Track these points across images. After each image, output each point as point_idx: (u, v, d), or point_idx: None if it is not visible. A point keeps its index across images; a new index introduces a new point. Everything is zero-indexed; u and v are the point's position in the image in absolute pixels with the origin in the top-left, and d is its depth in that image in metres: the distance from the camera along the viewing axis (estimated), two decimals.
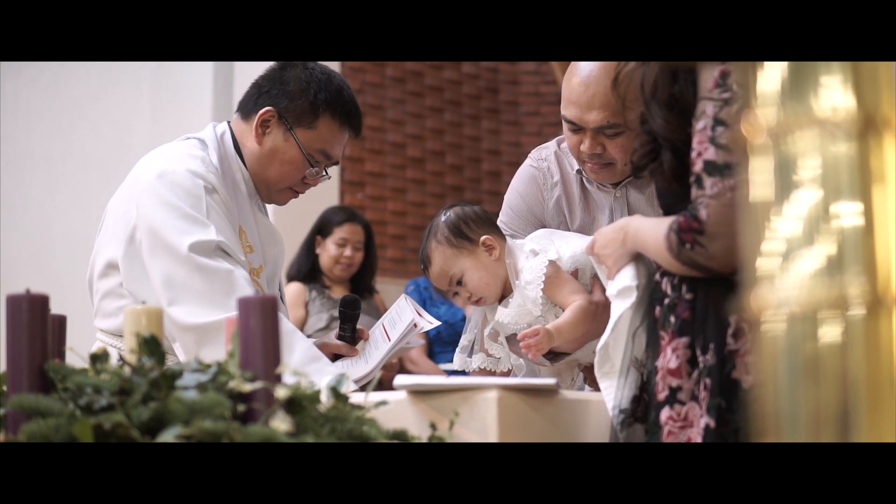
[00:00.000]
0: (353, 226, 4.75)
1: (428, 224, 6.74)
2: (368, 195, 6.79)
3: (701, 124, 1.89)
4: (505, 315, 2.37)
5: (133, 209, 2.48)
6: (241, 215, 2.58)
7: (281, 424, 1.55)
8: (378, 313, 4.67)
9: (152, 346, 1.63)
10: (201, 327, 2.33)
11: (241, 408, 1.57)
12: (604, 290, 2.37)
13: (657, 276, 2.02)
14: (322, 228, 4.74)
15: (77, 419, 1.51)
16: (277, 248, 2.72)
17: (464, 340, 2.51)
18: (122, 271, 2.49)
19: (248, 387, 1.58)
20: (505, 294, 2.42)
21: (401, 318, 2.56)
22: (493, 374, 2.46)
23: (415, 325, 2.52)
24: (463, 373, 2.62)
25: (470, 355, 2.49)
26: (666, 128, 1.94)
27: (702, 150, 1.88)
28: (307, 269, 4.64)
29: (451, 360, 4.58)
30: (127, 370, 1.63)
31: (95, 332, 2.58)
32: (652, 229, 1.97)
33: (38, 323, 1.64)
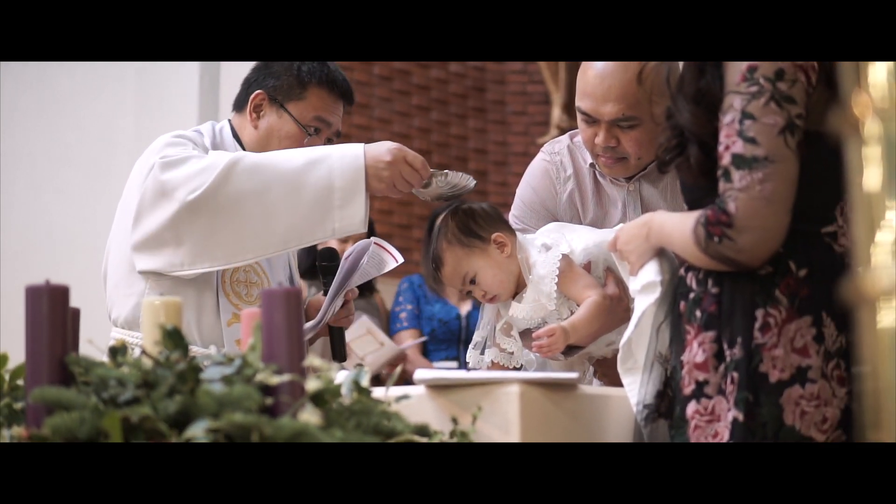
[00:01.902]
0: None
1: (411, 223, 6.60)
2: None
3: (728, 118, 1.87)
4: (519, 310, 2.34)
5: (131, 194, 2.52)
6: None
7: (311, 417, 1.51)
8: (378, 312, 4.63)
9: (175, 338, 1.59)
10: (204, 194, 2.35)
11: (268, 401, 1.53)
12: (617, 282, 2.35)
13: (682, 271, 2.00)
14: None
15: (101, 412, 1.47)
16: None
17: (477, 337, 2.47)
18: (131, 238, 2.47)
19: (275, 379, 1.54)
20: (518, 289, 2.38)
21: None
22: (505, 369, 2.43)
23: (358, 260, 2.54)
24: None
25: (482, 352, 2.45)
26: (693, 122, 1.92)
27: (729, 144, 1.86)
28: (307, 265, 4.57)
29: (446, 358, 4.58)
30: (147, 362, 1.59)
31: (111, 329, 2.54)
32: (678, 224, 1.95)
33: (58, 314, 1.59)
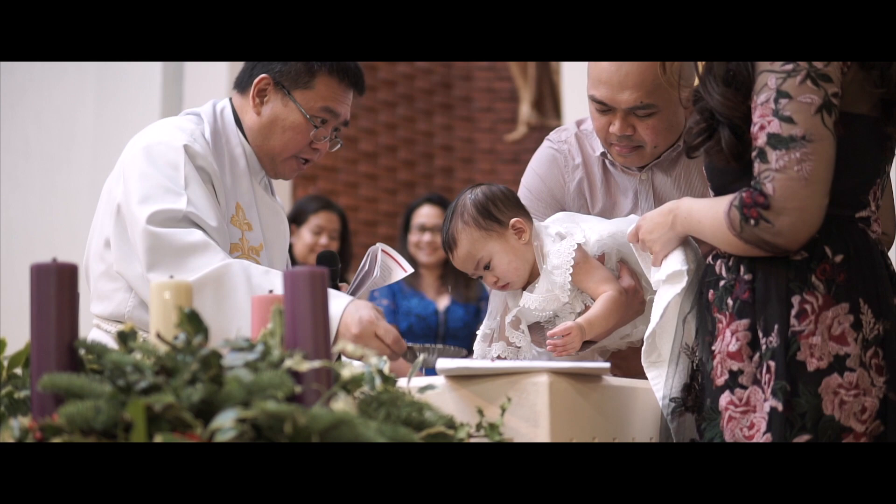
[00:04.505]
0: (329, 214, 4.60)
1: (377, 220, 6.44)
2: (320, 189, 6.63)
3: (763, 97, 1.80)
4: (531, 301, 2.24)
5: (119, 185, 2.35)
6: (238, 192, 2.44)
7: (345, 406, 1.41)
8: None
9: (195, 321, 1.48)
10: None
11: (297, 389, 1.43)
12: (631, 275, 2.27)
13: (709, 259, 1.93)
14: (297, 216, 4.58)
15: (120, 401, 1.35)
16: (280, 227, 2.57)
17: (485, 328, 2.37)
18: (112, 250, 2.34)
19: (306, 366, 1.43)
20: (531, 278, 2.29)
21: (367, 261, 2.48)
22: None
23: (373, 270, 2.42)
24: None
25: (490, 344, 2.35)
26: (723, 104, 1.85)
27: (765, 124, 1.79)
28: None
29: None
30: (161, 348, 1.48)
31: (92, 319, 2.41)
32: (707, 209, 1.87)
33: (66, 296, 1.48)
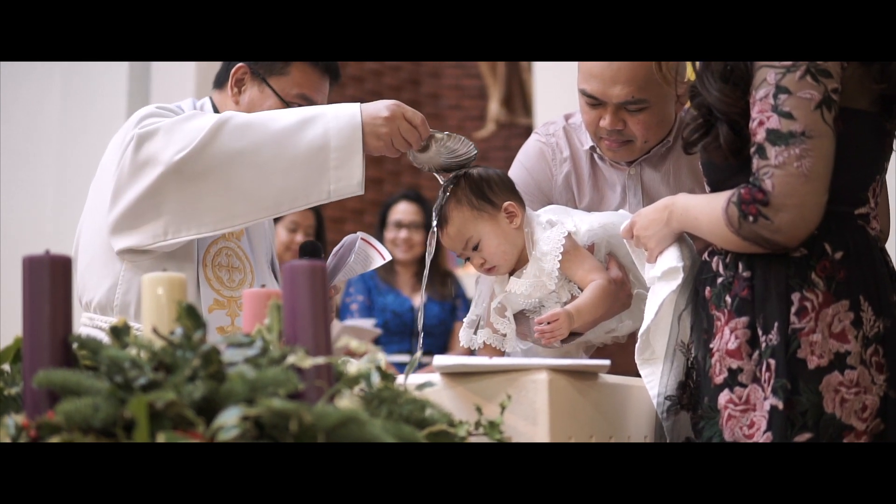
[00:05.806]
0: (304, 210, 4.55)
1: (344, 216, 6.38)
2: None
3: (762, 92, 1.79)
4: (518, 286, 2.22)
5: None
6: None
7: (350, 404, 1.37)
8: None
9: (194, 316, 1.44)
10: (191, 154, 2.17)
11: (300, 386, 1.39)
12: (619, 266, 2.25)
13: (705, 256, 1.91)
14: None
15: (119, 398, 1.31)
16: None
17: (471, 315, 2.34)
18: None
19: (309, 362, 1.39)
20: (518, 265, 2.27)
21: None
22: (497, 352, 2.30)
23: (346, 257, 2.41)
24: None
25: (476, 331, 2.32)
26: (721, 100, 1.83)
27: (764, 119, 1.77)
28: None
29: (399, 351, 4.43)
30: (157, 343, 1.43)
31: (80, 319, 2.35)
32: (704, 205, 1.86)
33: (60, 289, 1.43)
